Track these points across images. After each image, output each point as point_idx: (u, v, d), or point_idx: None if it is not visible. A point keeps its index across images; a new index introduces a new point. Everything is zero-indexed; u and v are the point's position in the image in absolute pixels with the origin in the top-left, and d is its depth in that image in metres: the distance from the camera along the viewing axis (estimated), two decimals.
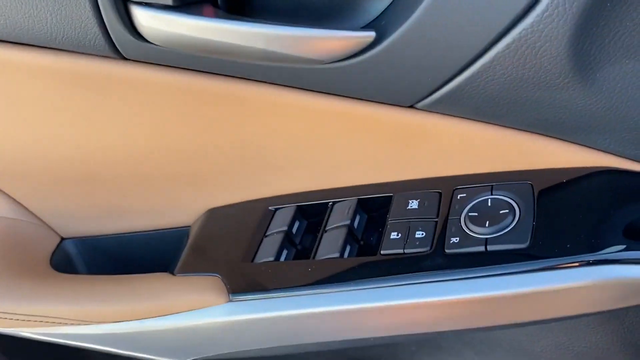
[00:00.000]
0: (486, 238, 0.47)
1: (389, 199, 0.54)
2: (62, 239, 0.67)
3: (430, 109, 0.49)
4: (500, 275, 0.46)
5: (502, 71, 0.43)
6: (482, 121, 0.49)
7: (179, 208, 0.62)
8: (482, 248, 0.47)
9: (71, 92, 0.53)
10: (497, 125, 0.49)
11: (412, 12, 0.42)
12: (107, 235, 0.66)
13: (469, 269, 0.46)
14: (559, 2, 0.39)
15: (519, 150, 0.50)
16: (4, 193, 0.64)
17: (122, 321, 0.55)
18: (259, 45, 0.45)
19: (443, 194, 0.52)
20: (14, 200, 0.64)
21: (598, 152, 0.48)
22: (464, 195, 0.51)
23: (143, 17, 0.46)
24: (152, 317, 0.54)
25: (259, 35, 0.45)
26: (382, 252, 0.50)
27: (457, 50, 0.43)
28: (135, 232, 0.65)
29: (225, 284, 0.53)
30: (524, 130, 0.49)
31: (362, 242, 0.53)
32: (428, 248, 0.48)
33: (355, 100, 0.51)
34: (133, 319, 0.55)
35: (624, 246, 0.44)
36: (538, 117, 0.47)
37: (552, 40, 0.40)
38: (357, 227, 0.53)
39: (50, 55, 0.51)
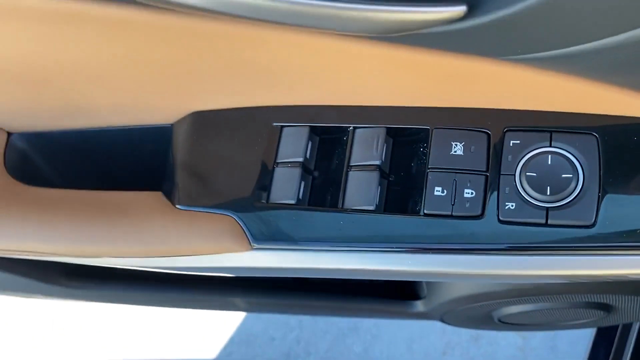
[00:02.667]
0: (547, 207, 0.42)
1: (424, 133, 0.46)
2: (9, 134, 0.56)
3: None
4: (561, 254, 0.41)
5: None
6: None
7: (155, 107, 0.52)
8: (542, 219, 0.42)
9: None
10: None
11: None
12: (66, 130, 0.56)
13: (527, 242, 0.41)
14: None
15: (580, 91, 0.43)
16: None
17: (123, 257, 0.48)
18: None
19: (492, 134, 0.44)
20: None
21: None
22: (518, 142, 0.43)
23: None
24: (160, 257, 0.48)
25: None
26: (425, 211, 0.44)
27: None
28: (102, 127, 0.55)
29: (243, 229, 0.46)
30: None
31: (395, 189, 0.46)
32: (479, 212, 0.43)
33: None
34: (135, 257, 0.48)
35: None
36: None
37: None
38: (388, 167, 0.46)
39: None
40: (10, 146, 0.56)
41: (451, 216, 0.43)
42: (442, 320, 0.86)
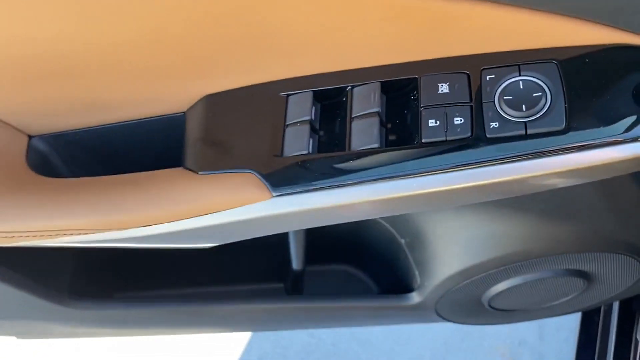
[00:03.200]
0: (525, 122, 0.49)
1: (414, 82, 0.53)
2: (30, 137, 0.60)
3: None
4: (542, 156, 0.49)
5: None
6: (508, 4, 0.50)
7: (169, 95, 0.57)
8: (522, 131, 0.49)
9: None
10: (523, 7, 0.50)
11: None
12: (83, 129, 0.60)
13: (513, 152, 0.49)
14: None
15: (541, 29, 0.51)
16: None
17: (153, 225, 0.53)
18: None
19: (471, 75, 0.52)
20: None
21: (621, 31, 0.50)
22: (493, 76, 0.51)
23: None
24: (186, 219, 0.52)
25: None
26: (423, 140, 0.51)
27: None
28: (117, 123, 0.59)
29: (262, 180, 0.52)
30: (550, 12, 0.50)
31: (395, 130, 0.53)
32: (469, 134, 0.50)
33: None
34: (162, 223, 0.53)
35: None
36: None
37: None
38: (385, 115, 0.53)
39: None
40: (31, 149, 0.61)
41: (446, 141, 0.50)
42: (437, 313, 0.90)
